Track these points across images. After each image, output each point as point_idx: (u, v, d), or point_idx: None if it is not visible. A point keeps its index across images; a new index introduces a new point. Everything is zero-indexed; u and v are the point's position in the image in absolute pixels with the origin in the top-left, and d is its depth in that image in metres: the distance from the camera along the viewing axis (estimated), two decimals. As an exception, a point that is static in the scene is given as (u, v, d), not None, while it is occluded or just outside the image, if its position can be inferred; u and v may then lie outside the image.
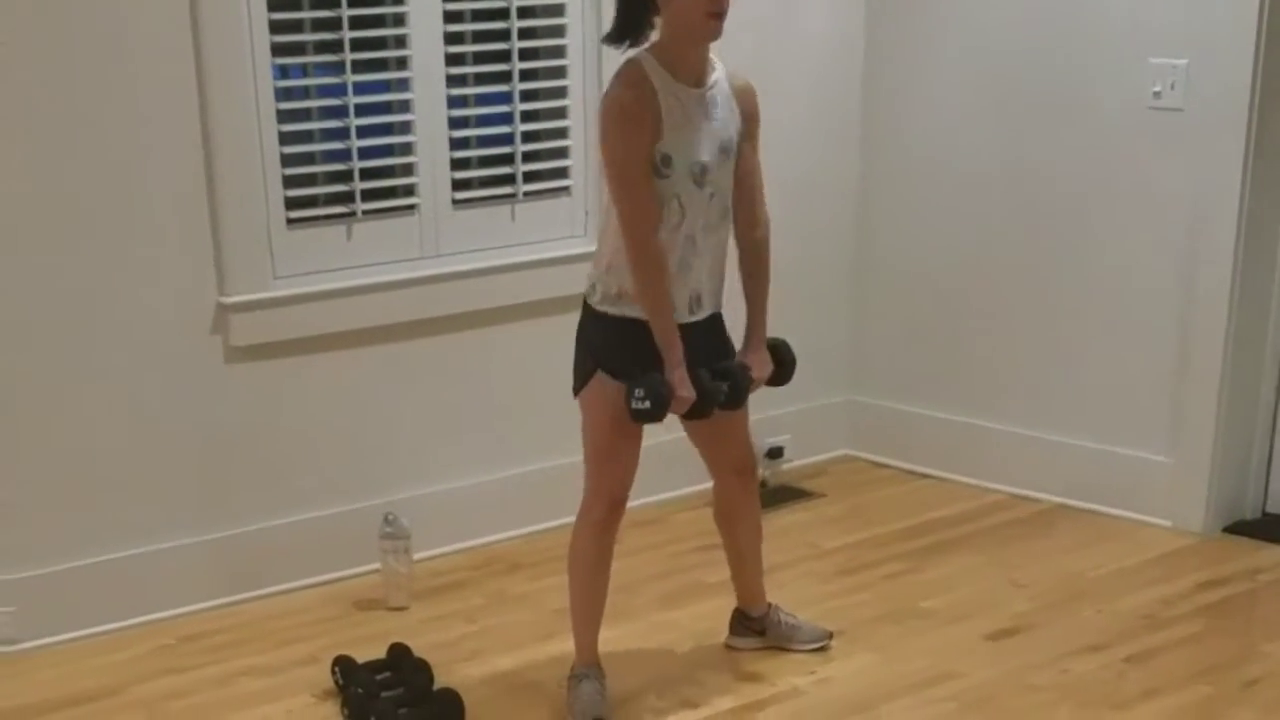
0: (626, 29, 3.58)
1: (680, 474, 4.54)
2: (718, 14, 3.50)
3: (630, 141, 3.50)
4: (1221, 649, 4.10)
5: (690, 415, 3.67)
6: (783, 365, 3.90)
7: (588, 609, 3.80)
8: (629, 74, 3.55)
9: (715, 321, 3.77)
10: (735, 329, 3.84)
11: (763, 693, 3.91)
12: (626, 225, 3.54)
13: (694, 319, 3.68)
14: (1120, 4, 4.72)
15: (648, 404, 3.52)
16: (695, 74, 3.59)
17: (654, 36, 3.59)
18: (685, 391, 3.58)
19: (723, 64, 3.67)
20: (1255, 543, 4.79)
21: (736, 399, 3.75)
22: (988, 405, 5.28)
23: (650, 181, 3.53)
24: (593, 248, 4.76)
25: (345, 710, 3.79)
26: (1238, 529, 4.87)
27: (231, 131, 4.20)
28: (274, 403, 4.44)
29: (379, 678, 3.86)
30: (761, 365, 3.83)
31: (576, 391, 3.73)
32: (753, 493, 4.03)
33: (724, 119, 3.65)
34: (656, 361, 3.58)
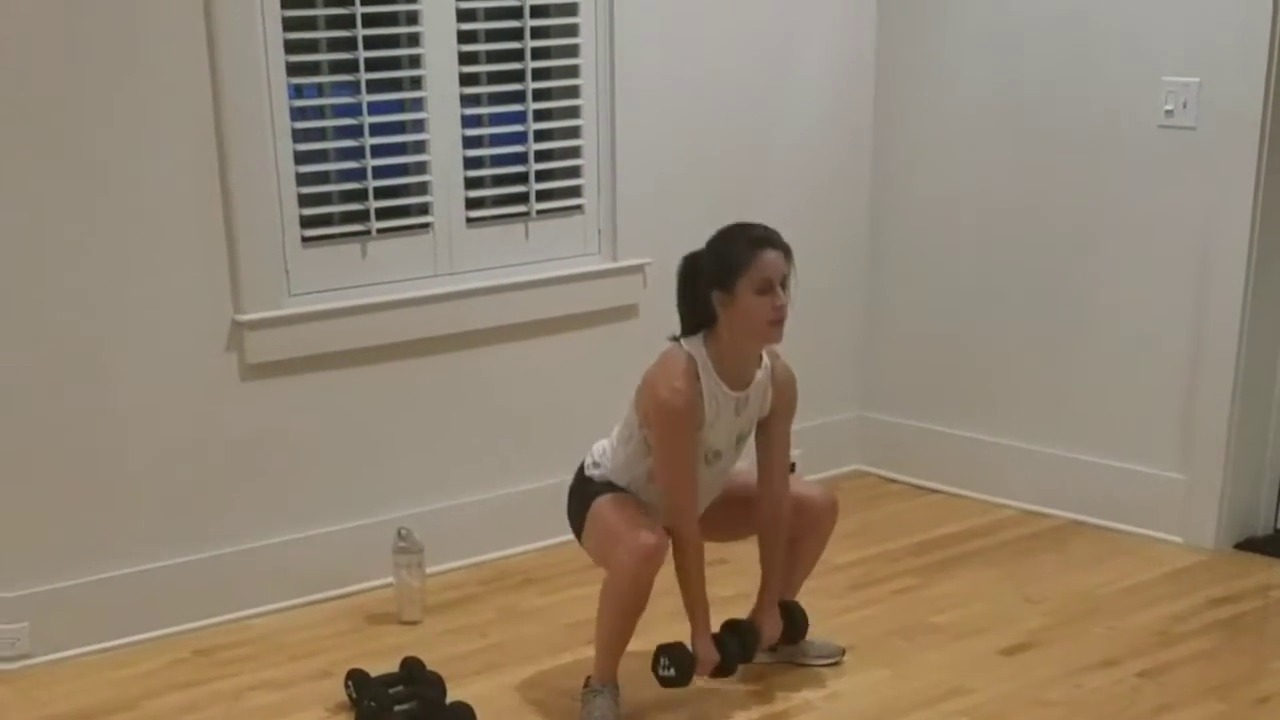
0: (694, 324, 3.75)
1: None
2: (778, 320, 3.65)
3: (679, 441, 3.70)
4: (1234, 665, 4.11)
5: (714, 675, 3.87)
6: (794, 625, 4.05)
7: (616, 638, 3.79)
8: (686, 375, 3.68)
9: None
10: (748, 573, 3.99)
11: (775, 708, 3.92)
12: (668, 504, 3.74)
13: None
14: (1132, 22, 4.74)
15: (672, 672, 3.79)
16: (743, 376, 3.76)
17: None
18: (710, 655, 3.81)
19: (769, 357, 3.82)
20: (1267, 559, 4.79)
21: (745, 657, 3.94)
22: (999, 421, 5.29)
23: (695, 474, 3.74)
24: (607, 264, 4.84)
25: (358, 724, 3.81)
26: (1249, 545, 4.87)
27: (247, 150, 4.23)
28: (288, 419, 4.46)
29: (392, 691, 3.86)
30: (773, 626, 3.98)
31: (580, 536, 3.88)
32: (832, 521, 4.07)
33: (751, 414, 3.82)
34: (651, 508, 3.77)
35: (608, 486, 3.84)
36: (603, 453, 3.90)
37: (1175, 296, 4.79)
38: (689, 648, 3.80)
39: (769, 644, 4.01)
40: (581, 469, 3.92)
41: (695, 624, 3.80)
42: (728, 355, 3.73)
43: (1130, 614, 4.41)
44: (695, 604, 3.79)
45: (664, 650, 3.79)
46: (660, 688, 3.82)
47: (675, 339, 3.78)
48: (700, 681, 3.86)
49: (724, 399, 3.74)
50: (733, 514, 3.96)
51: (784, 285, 3.67)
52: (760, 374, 3.81)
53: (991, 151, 5.16)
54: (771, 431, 3.90)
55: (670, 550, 3.72)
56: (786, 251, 3.70)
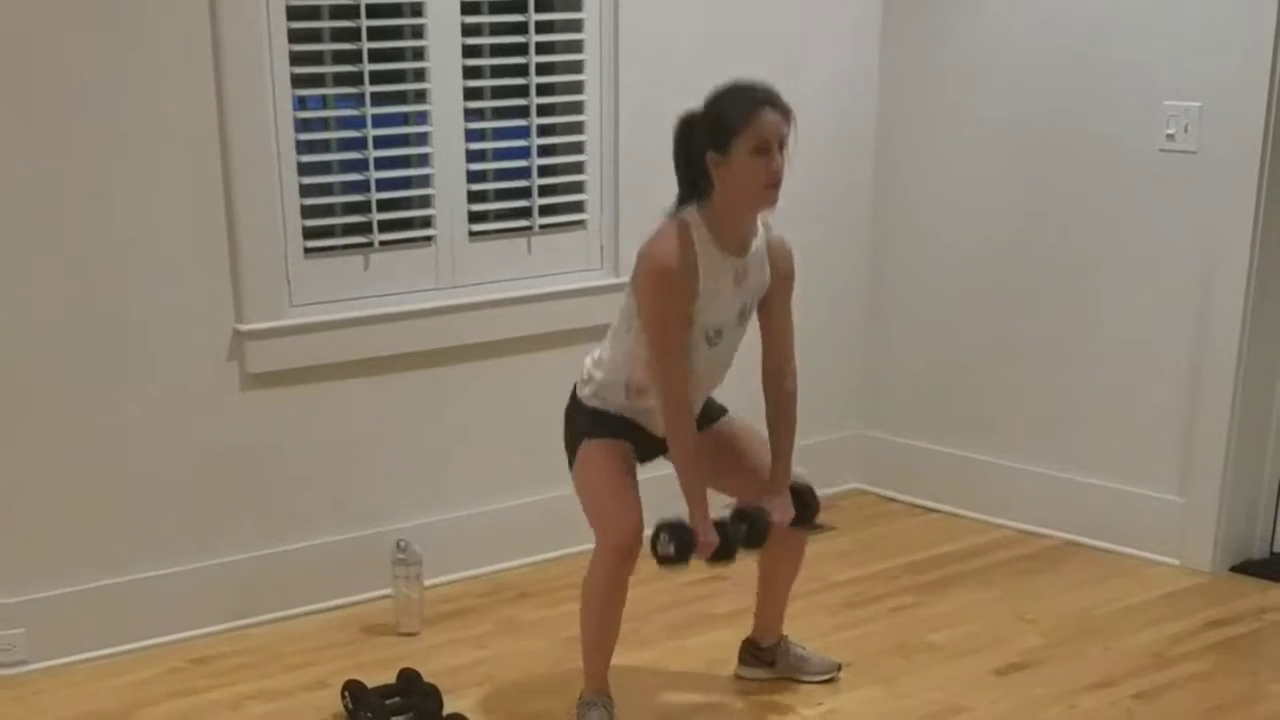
0: (689, 195, 3.64)
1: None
2: (773, 184, 3.55)
3: (669, 310, 3.60)
4: (1229, 688, 4.10)
5: (713, 560, 3.74)
6: (806, 508, 3.92)
7: (600, 640, 3.81)
8: (678, 238, 3.59)
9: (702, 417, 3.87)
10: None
11: (770, 723, 3.93)
12: (662, 384, 3.65)
13: None
14: (1134, 46, 4.75)
15: (672, 548, 3.64)
16: (740, 242, 3.66)
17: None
18: (708, 537, 3.66)
19: (765, 227, 3.74)
20: (1263, 582, 4.79)
21: (755, 541, 3.79)
22: (998, 442, 5.30)
23: (684, 346, 3.63)
24: (609, 280, 4.84)
25: (354, 735, 3.82)
26: (1246, 568, 4.88)
27: (251, 162, 4.24)
28: (288, 429, 4.47)
29: (389, 702, 3.87)
30: (783, 510, 3.84)
31: (571, 464, 3.82)
32: (804, 532, 4.03)
33: (752, 285, 3.73)
34: (640, 432, 3.73)
35: (596, 417, 3.76)
36: (595, 362, 3.80)
37: (1175, 320, 4.80)
38: (691, 527, 3.65)
39: (781, 527, 3.82)
40: (574, 389, 3.85)
41: (693, 506, 3.66)
42: (723, 221, 3.60)
43: (1126, 635, 4.41)
44: (692, 485, 3.66)
45: (664, 526, 3.65)
46: (656, 700, 3.81)
47: (670, 213, 3.67)
48: (691, 692, 3.85)
49: (722, 268, 3.62)
50: (726, 462, 3.89)
51: (781, 148, 3.54)
52: (757, 242, 3.69)
53: (993, 174, 5.18)
54: (772, 306, 3.79)
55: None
56: (785, 112, 3.55)
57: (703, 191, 3.61)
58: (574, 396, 3.85)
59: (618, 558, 3.68)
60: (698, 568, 3.76)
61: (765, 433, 3.88)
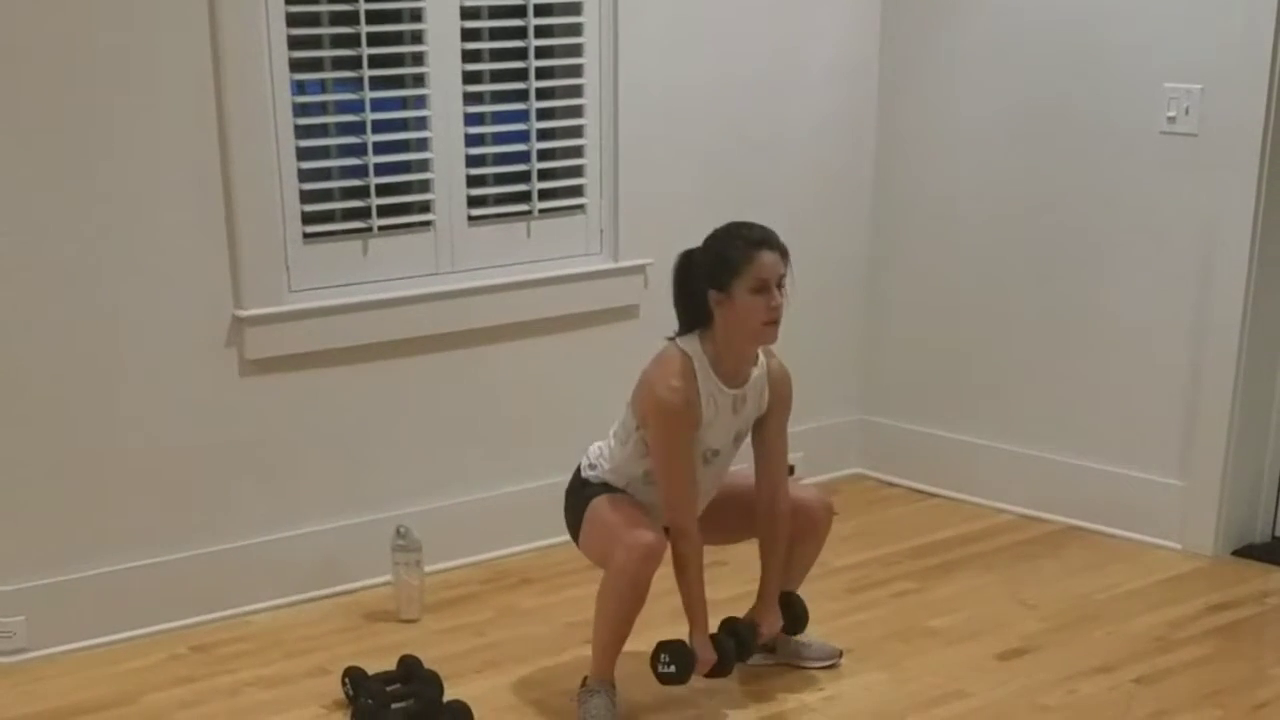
0: (690, 323, 3.75)
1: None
2: (773, 321, 3.67)
3: (676, 441, 3.71)
4: (1231, 672, 4.11)
5: (711, 675, 3.85)
6: (795, 620, 4.04)
7: (614, 636, 3.78)
8: (682, 373, 3.69)
9: None
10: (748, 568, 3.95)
11: (772, 709, 3.92)
12: (667, 502, 3.77)
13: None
14: (1135, 29, 4.74)
15: (673, 668, 3.77)
16: (739, 374, 3.77)
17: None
18: (707, 654, 3.79)
19: (764, 355, 3.82)
20: (1265, 566, 4.79)
21: (742, 654, 3.93)
22: (999, 426, 5.29)
23: (693, 473, 3.74)
24: (609, 264, 4.84)
25: (355, 721, 3.81)
26: (1247, 552, 4.88)
27: (249, 146, 4.23)
28: (288, 415, 4.46)
29: (389, 689, 3.87)
30: (771, 623, 3.98)
31: (578, 539, 3.88)
32: (828, 525, 4.09)
33: (748, 413, 3.83)
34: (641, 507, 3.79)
35: (605, 488, 3.84)
36: (599, 454, 3.90)
37: (1176, 303, 4.79)
38: (690, 645, 3.79)
39: (768, 639, 4.01)
40: (578, 471, 3.93)
41: (694, 623, 3.80)
42: (724, 354, 3.74)
43: (1127, 620, 4.41)
44: (694, 603, 3.78)
45: (664, 647, 3.78)
46: (658, 685, 3.81)
47: (671, 339, 3.78)
48: (698, 681, 3.85)
49: (721, 397, 3.75)
50: (731, 516, 3.96)
51: (780, 286, 3.68)
52: (756, 372, 3.82)
53: (993, 157, 5.16)
54: (768, 429, 3.90)
55: (669, 549, 3.72)
56: (783, 252, 3.70)
57: (704, 322, 3.72)
58: (578, 476, 3.91)
59: (639, 555, 3.64)
60: (696, 680, 3.84)
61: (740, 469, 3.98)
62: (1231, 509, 4.84)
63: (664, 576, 3.73)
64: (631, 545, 3.65)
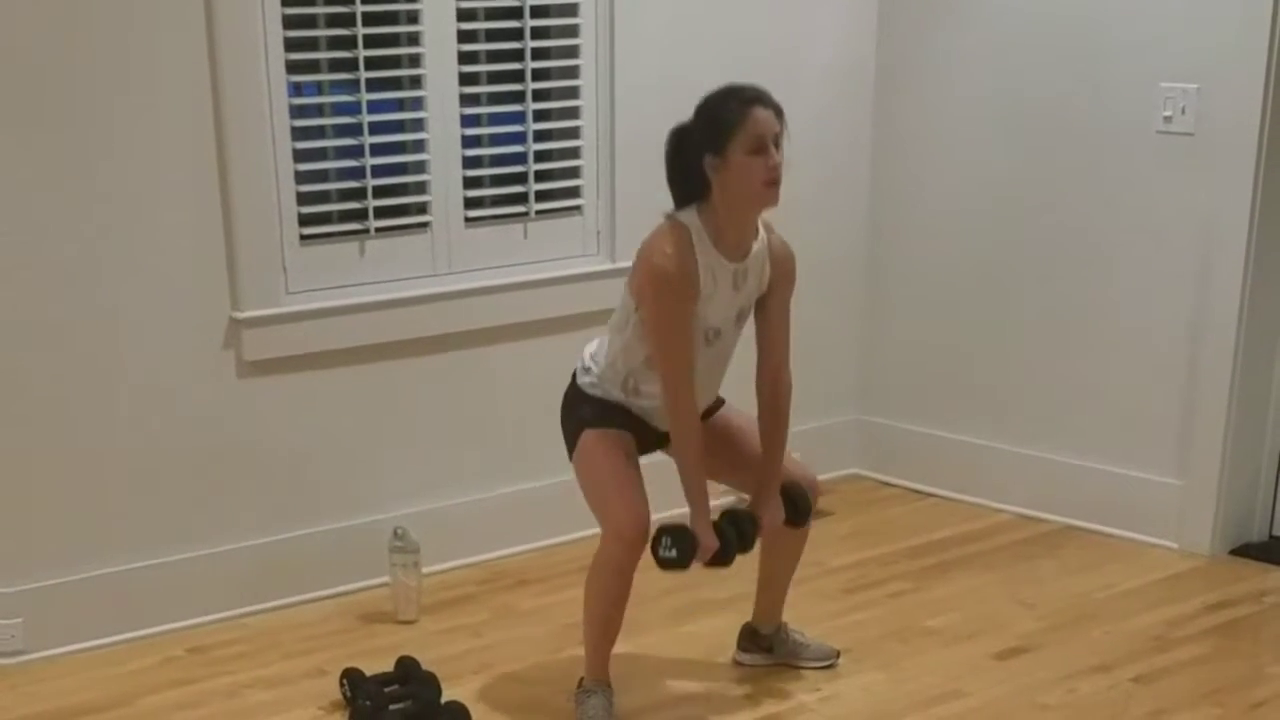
0: (688, 199, 3.63)
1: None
2: (773, 181, 3.55)
3: (672, 313, 3.60)
4: (1229, 671, 4.11)
5: (711, 563, 3.76)
6: (798, 512, 3.92)
7: (604, 631, 3.80)
8: (678, 241, 3.59)
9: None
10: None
11: (769, 709, 3.92)
12: (665, 385, 3.65)
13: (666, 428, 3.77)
14: (1131, 28, 4.74)
15: (674, 552, 3.67)
16: (741, 244, 3.66)
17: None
18: (708, 541, 3.68)
19: (766, 229, 3.73)
20: (1262, 565, 4.79)
21: (743, 545, 3.81)
22: (996, 426, 5.29)
23: (690, 347, 3.64)
24: (605, 265, 4.84)
25: (353, 722, 3.81)
26: (1245, 551, 4.88)
27: (246, 148, 4.23)
28: (285, 417, 4.46)
29: (387, 690, 3.87)
30: (773, 514, 3.86)
31: (571, 453, 3.81)
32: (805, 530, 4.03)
33: (750, 289, 3.73)
34: (643, 428, 3.73)
35: (599, 408, 3.75)
36: (594, 353, 3.81)
37: (1173, 302, 4.80)
38: (692, 530, 3.67)
39: (770, 530, 3.86)
40: (574, 377, 3.84)
41: (695, 509, 3.68)
42: (724, 225, 3.61)
43: (1125, 619, 4.42)
44: (694, 487, 3.67)
45: (666, 530, 3.66)
46: (656, 685, 3.81)
47: (668, 215, 3.67)
48: (692, 672, 3.84)
49: (721, 270, 3.63)
50: (720, 459, 3.88)
51: (777, 144, 3.55)
52: (757, 245, 3.70)
53: (990, 157, 5.17)
54: (770, 307, 3.79)
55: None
56: (778, 110, 3.57)
57: (701, 195, 3.61)
58: (574, 383, 3.85)
59: (622, 547, 3.67)
60: (695, 569, 3.77)
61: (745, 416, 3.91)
62: (1229, 508, 4.84)
63: (656, 577, 3.73)
64: (615, 534, 3.65)
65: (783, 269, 3.78)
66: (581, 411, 3.79)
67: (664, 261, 3.56)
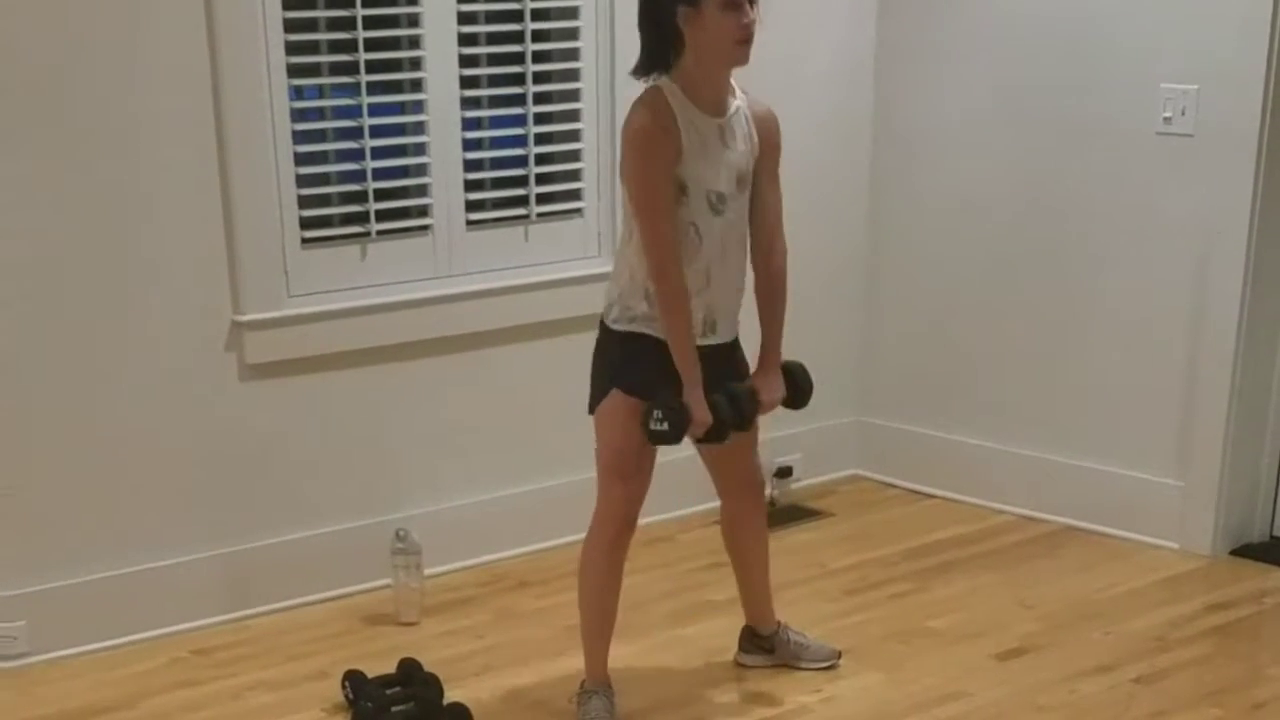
0: (654, 60, 3.58)
1: (689, 492, 4.56)
2: (746, 39, 3.51)
3: (651, 168, 3.52)
4: (1230, 671, 4.11)
5: (705, 439, 3.70)
6: (799, 390, 3.88)
7: (598, 626, 3.82)
8: (650, 100, 3.55)
9: (731, 348, 3.80)
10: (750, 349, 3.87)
11: (770, 711, 3.92)
12: (648, 250, 3.56)
13: (708, 343, 3.69)
14: (1131, 29, 4.75)
15: (665, 426, 3.56)
16: (717, 101, 3.60)
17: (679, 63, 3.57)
18: (701, 415, 3.61)
19: (743, 93, 3.69)
20: (1262, 566, 4.79)
21: (742, 422, 3.74)
22: (996, 427, 5.30)
23: (671, 207, 3.55)
24: (606, 268, 4.80)
25: (355, 724, 3.82)
26: (1245, 552, 4.88)
27: (247, 152, 4.24)
28: (287, 419, 4.47)
29: (389, 692, 3.88)
30: (773, 389, 3.82)
31: (592, 408, 3.74)
32: (760, 511, 4.06)
33: (742, 149, 3.66)
34: (673, 379, 3.60)
35: (628, 349, 3.65)
36: (612, 280, 3.73)
37: (1173, 303, 4.80)
38: (685, 404, 3.59)
39: (770, 408, 3.82)
40: (601, 321, 3.75)
41: (688, 382, 3.58)
42: (698, 81, 3.54)
43: (1126, 620, 4.42)
44: (685, 360, 3.58)
45: (657, 403, 3.56)
46: (656, 687, 3.81)
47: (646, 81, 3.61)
48: (694, 674, 3.84)
49: (705, 125, 3.57)
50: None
51: (752, 2, 3.49)
52: (737, 103, 3.64)
53: (990, 158, 5.17)
54: (759, 176, 3.71)
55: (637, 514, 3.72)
56: None
57: (671, 58, 3.55)
58: (602, 326, 3.75)
59: (614, 531, 3.71)
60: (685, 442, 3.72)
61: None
62: (1229, 509, 4.85)
63: (661, 578, 3.74)
64: (610, 511, 3.69)
65: (769, 140, 3.72)
66: (611, 356, 3.70)
67: (638, 119, 3.53)
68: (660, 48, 3.56)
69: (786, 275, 3.83)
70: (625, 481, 3.72)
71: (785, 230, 3.82)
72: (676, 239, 3.56)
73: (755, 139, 3.69)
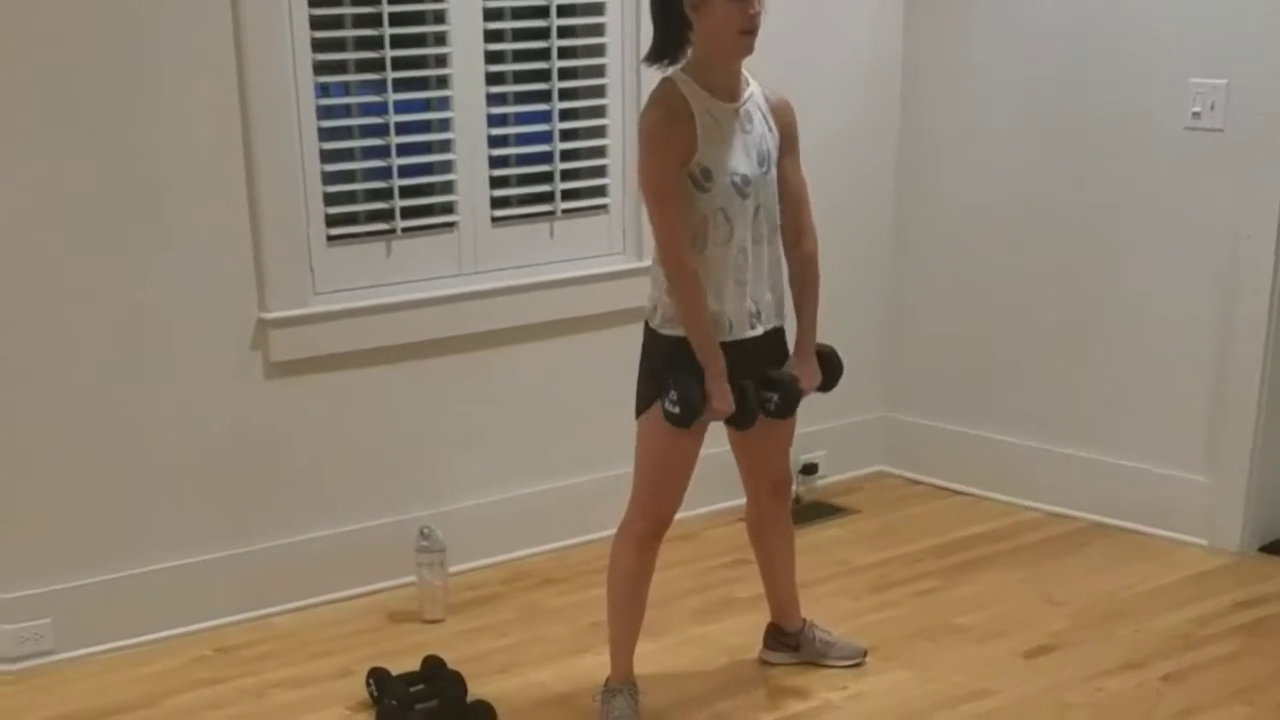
0: (664, 49, 3.62)
1: (714, 489, 4.53)
2: (750, 30, 3.53)
3: (661, 159, 3.55)
4: (1258, 669, 4.09)
5: (733, 425, 3.71)
6: (831, 372, 3.92)
7: (626, 624, 3.82)
8: (662, 92, 3.59)
9: (776, 335, 3.81)
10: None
11: (796, 708, 3.92)
12: (659, 242, 3.60)
13: (753, 333, 3.70)
14: (1160, 24, 4.72)
15: (677, 409, 3.57)
16: (730, 88, 3.62)
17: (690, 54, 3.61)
18: (721, 403, 3.61)
19: (756, 81, 3.70)
20: (1292, 563, 4.78)
21: (786, 409, 3.76)
22: (1023, 423, 5.27)
23: (679, 199, 3.56)
24: (632, 265, 4.83)
25: (380, 722, 3.83)
26: (1274, 549, 4.85)
27: (273, 149, 4.24)
28: (312, 417, 4.47)
29: (413, 690, 3.88)
30: (810, 376, 3.85)
31: (639, 413, 3.74)
32: (785, 508, 4.05)
33: (760, 132, 3.68)
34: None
35: (676, 355, 3.61)
36: (653, 283, 3.70)
37: (1202, 299, 4.77)
38: (705, 389, 3.59)
39: (808, 393, 3.84)
40: (645, 323, 3.74)
41: (709, 368, 3.59)
42: (708, 70, 3.58)
43: (1154, 617, 4.40)
44: (704, 348, 3.58)
45: (675, 384, 3.58)
46: (680, 687, 3.80)
47: (660, 70, 3.64)
48: (720, 672, 3.83)
49: (720, 112, 3.59)
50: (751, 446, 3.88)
51: None
52: (750, 91, 3.67)
53: (1017, 153, 5.15)
54: (782, 168, 3.74)
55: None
56: None
57: (682, 46, 3.59)
58: (647, 328, 3.73)
59: (645, 534, 3.72)
60: (711, 439, 3.73)
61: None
62: (1258, 505, 4.82)
63: (684, 575, 3.73)
64: (640, 516, 3.71)
65: (784, 121, 3.75)
66: (655, 361, 3.68)
67: (652, 115, 3.57)
68: (671, 35, 3.60)
69: (817, 261, 3.85)
70: (663, 489, 3.72)
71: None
72: (681, 230, 3.57)
73: (774, 126, 3.72)
